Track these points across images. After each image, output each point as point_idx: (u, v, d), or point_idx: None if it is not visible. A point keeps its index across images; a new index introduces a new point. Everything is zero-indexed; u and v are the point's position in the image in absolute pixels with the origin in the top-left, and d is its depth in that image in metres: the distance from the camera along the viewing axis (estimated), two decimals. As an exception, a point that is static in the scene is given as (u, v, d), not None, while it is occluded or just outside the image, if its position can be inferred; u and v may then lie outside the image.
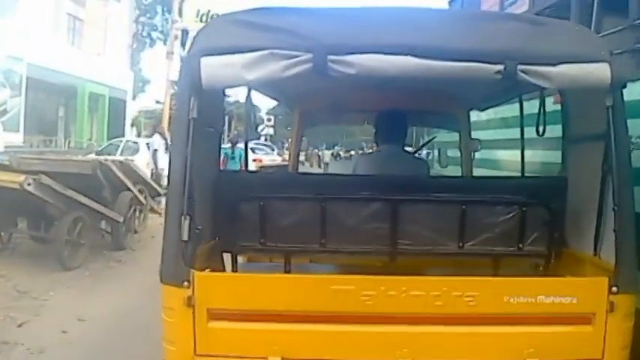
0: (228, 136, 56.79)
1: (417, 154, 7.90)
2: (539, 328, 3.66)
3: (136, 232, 14.27)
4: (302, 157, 54.64)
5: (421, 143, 11.20)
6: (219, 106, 5.07)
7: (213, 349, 3.65)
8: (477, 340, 3.68)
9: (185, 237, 3.60)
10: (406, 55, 3.49)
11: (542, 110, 4.90)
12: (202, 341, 3.64)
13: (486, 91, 5.77)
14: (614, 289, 3.56)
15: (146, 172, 19.51)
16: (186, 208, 3.61)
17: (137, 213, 14.38)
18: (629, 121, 3.77)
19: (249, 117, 6.74)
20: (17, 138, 30.26)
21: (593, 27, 6.28)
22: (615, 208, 3.61)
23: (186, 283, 3.58)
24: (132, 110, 47.19)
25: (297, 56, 3.51)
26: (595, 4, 6.44)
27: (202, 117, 3.74)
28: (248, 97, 5.55)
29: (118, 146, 27.98)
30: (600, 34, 6.04)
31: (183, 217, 3.60)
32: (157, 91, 43.36)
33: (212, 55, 3.54)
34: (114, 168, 12.68)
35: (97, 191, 12.49)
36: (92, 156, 24.61)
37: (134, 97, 49.79)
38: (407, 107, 5.85)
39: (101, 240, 13.21)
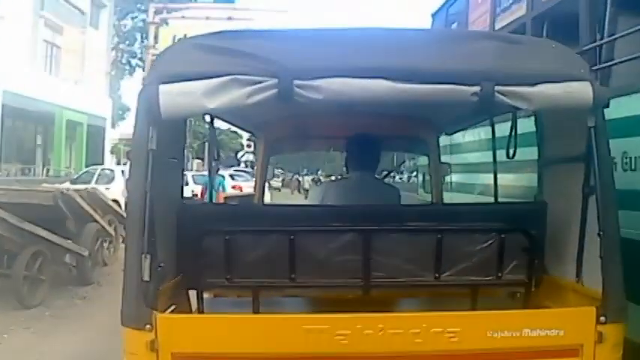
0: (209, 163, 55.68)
1: (388, 181, 7.80)
2: None
3: (105, 264, 13.46)
4: (279, 184, 55.01)
5: (392, 169, 10.84)
6: (181, 134, 4.76)
7: None
8: None
9: (146, 277, 3.37)
10: (377, 78, 3.32)
11: (513, 132, 4.69)
12: None
13: (456, 114, 5.68)
14: (602, 318, 3.40)
15: (121, 201, 18.81)
16: (146, 246, 3.37)
17: (106, 244, 13.57)
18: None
19: (212, 147, 6.12)
20: None
21: (606, 27, 5.88)
22: (601, 233, 3.45)
23: (148, 326, 3.34)
24: (112, 138, 46.63)
25: (261, 82, 3.32)
26: (608, 3, 5.90)
27: (162, 147, 3.52)
28: (211, 125, 5.05)
29: (94, 174, 27.15)
30: (616, 36, 5.76)
31: (143, 256, 3.36)
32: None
33: (171, 82, 3.30)
34: (77, 198, 11.86)
35: (61, 223, 11.72)
36: (66, 185, 23.95)
37: (114, 125, 49.32)
38: (374, 132, 5.60)
39: (67, 274, 12.36)
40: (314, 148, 10.51)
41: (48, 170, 35.76)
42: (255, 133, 7.27)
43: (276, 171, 60.04)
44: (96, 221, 12.64)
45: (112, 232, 13.51)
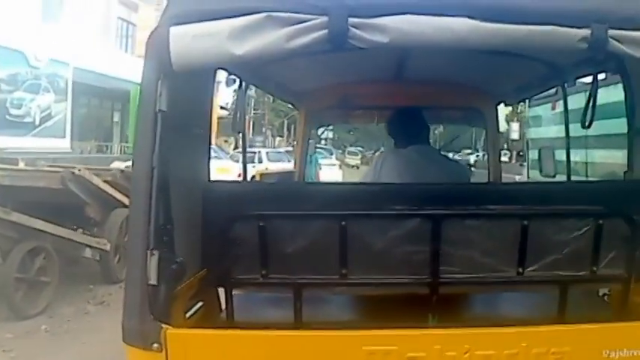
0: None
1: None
2: None
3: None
4: (357, 161, 52.74)
5: (452, 142, 10.21)
6: (207, 96, 3.78)
7: None
8: None
9: (153, 280, 2.63)
10: (459, 16, 2.56)
11: (593, 100, 3.95)
12: None
13: (519, 81, 5.04)
14: None
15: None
16: (153, 239, 2.64)
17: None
18: None
19: (240, 119, 4.75)
20: (63, 144, 28.52)
21: None
22: None
23: (155, 345, 2.62)
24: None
25: (306, 20, 2.54)
26: None
27: (183, 113, 2.96)
28: (240, 88, 4.35)
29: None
30: None
31: (149, 253, 2.63)
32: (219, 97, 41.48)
33: (186, 22, 2.54)
34: (95, 180, 9.22)
35: (79, 210, 9.20)
36: (128, 163, 21.89)
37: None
38: (427, 102, 5.22)
39: (88, 272, 9.79)
40: (359, 120, 8.94)
41: (126, 148, 34.50)
42: (295, 104, 6.59)
43: (354, 148, 58.01)
44: (126, 207, 10.00)
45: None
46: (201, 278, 3.42)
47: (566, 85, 4.63)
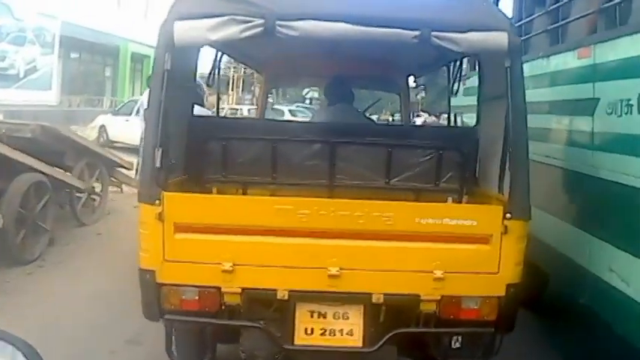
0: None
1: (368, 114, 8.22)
2: (444, 245, 3.80)
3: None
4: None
5: (372, 106, 10.36)
6: (192, 66, 4.84)
7: (179, 256, 3.79)
8: (393, 253, 3.81)
9: (158, 164, 3.69)
10: (339, 21, 3.62)
11: (459, 76, 5.34)
12: (170, 249, 3.77)
13: (420, 60, 5.97)
14: (508, 215, 3.71)
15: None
16: (159, 141, 3.68)
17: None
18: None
19: (214, 79, 5.70)
20: (48, 97, 26.80)
21: None
22: (510, 150, 3.78)
23: (157, 202, 3.72)
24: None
25: (251, 21, 3.66)
26: None
27: (178, 75, 3.99)
28: (216, 59, 5.55)
29: (136, 105, 22.52)
30: None
31: (156, 149, 3.68)
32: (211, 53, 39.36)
33: (183, 19, 3.68)
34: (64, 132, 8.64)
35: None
36: (108, 116, 20.46)
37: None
38: (355, 73, 6.30)
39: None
40: (303, 84, 11.80)
41: (114, 102, 32.63)
42: (259, 70, 8.28)
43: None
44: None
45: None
46: (183, 180, 4.31)
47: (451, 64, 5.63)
